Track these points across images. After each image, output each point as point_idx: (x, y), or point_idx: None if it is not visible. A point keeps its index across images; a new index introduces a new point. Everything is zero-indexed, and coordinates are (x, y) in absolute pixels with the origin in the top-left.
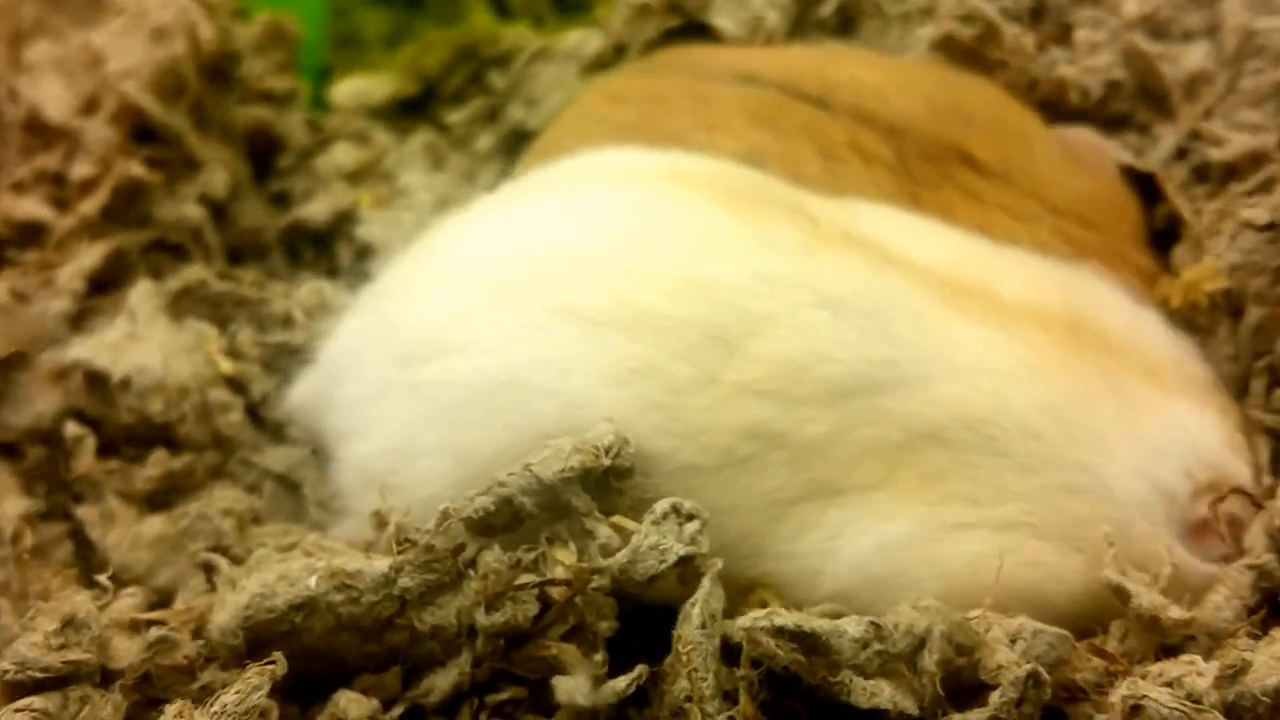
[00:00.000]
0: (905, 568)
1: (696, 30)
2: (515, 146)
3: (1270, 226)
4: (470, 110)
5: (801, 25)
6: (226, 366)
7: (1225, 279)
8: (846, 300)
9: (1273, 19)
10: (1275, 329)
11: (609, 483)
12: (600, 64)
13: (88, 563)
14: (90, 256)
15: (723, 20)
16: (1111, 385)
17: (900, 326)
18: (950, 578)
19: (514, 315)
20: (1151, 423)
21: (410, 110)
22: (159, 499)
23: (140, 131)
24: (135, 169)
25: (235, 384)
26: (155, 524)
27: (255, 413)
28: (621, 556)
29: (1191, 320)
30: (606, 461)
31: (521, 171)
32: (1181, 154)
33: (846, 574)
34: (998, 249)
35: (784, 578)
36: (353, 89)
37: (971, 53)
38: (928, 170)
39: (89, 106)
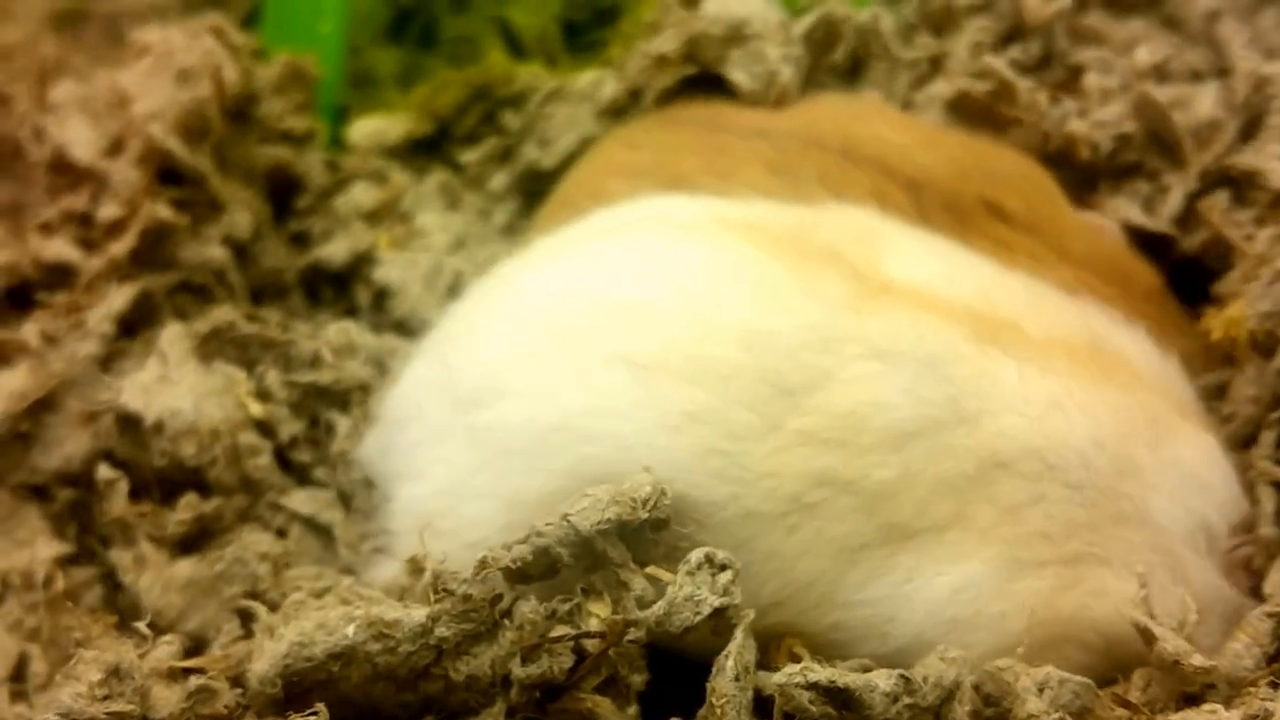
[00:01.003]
0: (983, 607)
1: (713, 80)
2: (529, 186)
3: None
4: (484, 150)
5: (813, 72)
6: (256, 409)
7: (1249, 319)
8: (897, 349)
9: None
10: None
11: (645, 534)
12: (616, 108)
13: (116, 607)
14: (119, 299)
15: (738, 74)
16: (1148, 417)
17: (952, 367)
18: (1027, 614)
19: (569, 362)
20: (1190, 455)
21: (425, 150)
22: (189, 542)
23: (165, 173)
24: (162, 211)
25: (264, 426)
26: (186, 567)
27: (283, 454)
28: (658, 609)
29: (1228, 354)
30: (644, 514)
31: (543, 216)
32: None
33: (922, 619)
34: (1024, 283)
35: (854, 626)
36: (369, 129)
37: (986, 110)
38: (949, 219)
39: (115, 147)
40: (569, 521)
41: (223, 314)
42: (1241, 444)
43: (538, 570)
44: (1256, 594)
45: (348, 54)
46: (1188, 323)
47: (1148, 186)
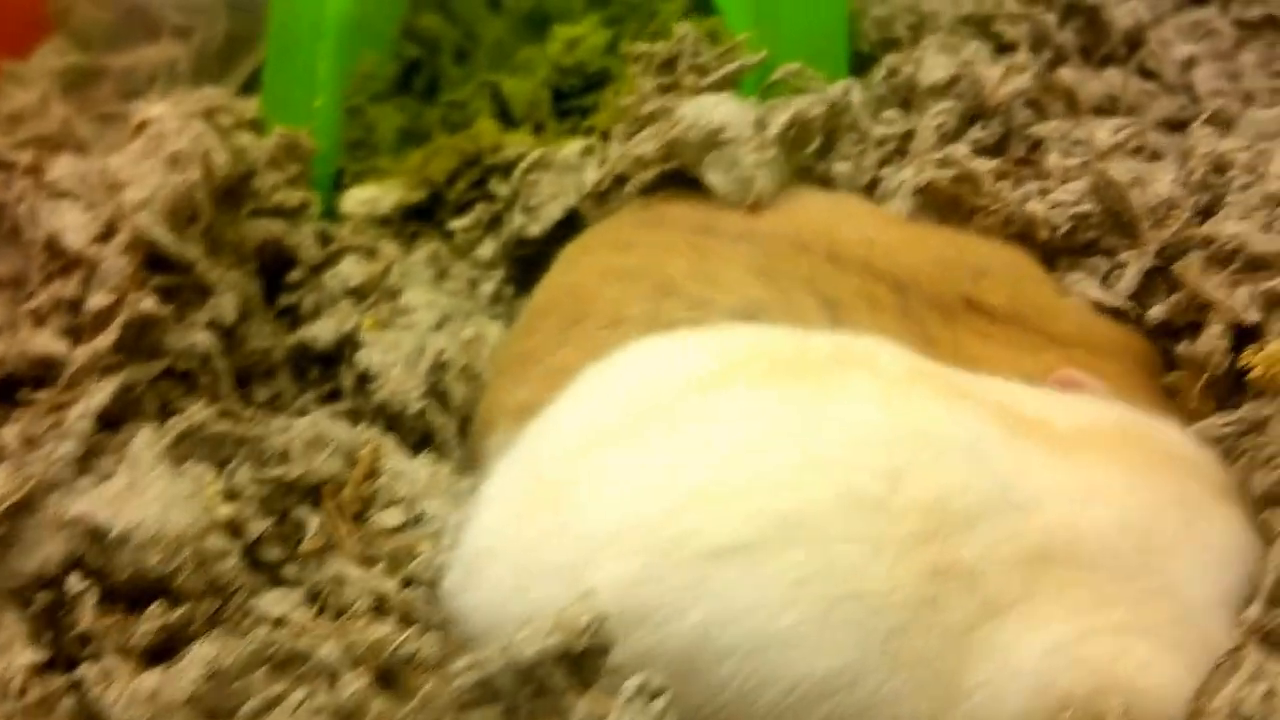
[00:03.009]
0: (1064, 674)
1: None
2: (516, 253)
3: None
4: (473, 217)
5: (788, 165)
6: (224, 511)
7: None
8: (943, 434)
9: (1238, 140)
10: None
11: (589, 661)
12: (600, 192)
13: (87, 716)
14: (100, 394)
15: (714, 178)
16: (1178, 496)
17: (994, 459)
18: (1094, 677)
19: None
20: (1216, 531)
21: (418, 216)
22: (157, 652)
23: (153, 259)
24: (147, 303)
25: (232, 526)
26: (152, 679)
27: (252, 554)
28: None
29: (1266, 391)
30: (584, 642)
31: (534, 315)
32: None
33: (1030, 689)
34: (1045, 392)
35: (974, 713)
36: (362, 197)
37: (952, 197)
38: (934, 316)
39: (106, 234)
40: (510, 650)
41: (196, 413)
42: (1276, 500)
43: (480, 700)
44: None
45: (343, 122)
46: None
47: (1105, 263)
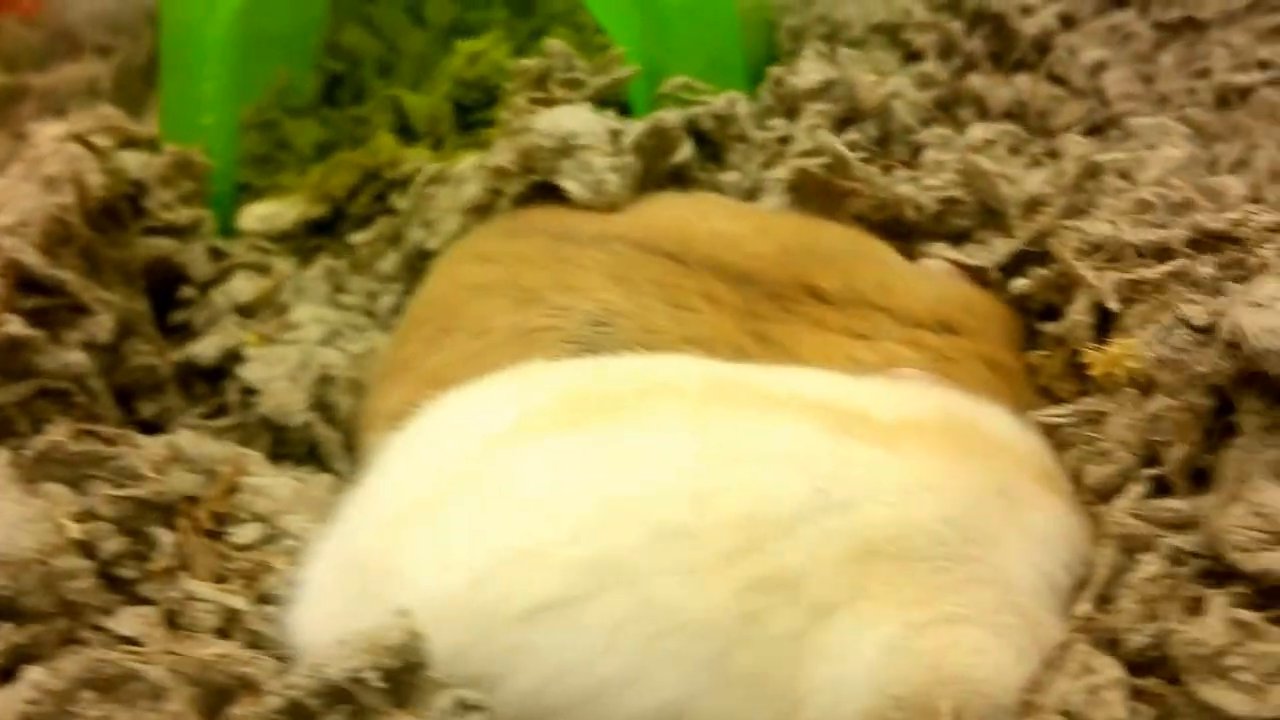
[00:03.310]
0: (900, 669)
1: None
2: (417, 266)
3: (1206, 330)
4: (374, 231)
5: (647, 176)
6: (73, 531)
7: (1147, 365)
8: (754, 448)
9: (1114, 153)
10: (1178, 432)
11: (402, 678)
12: (480, 207)
13: None
14: None
15: (570, 184)
16: (999, 485)
17: (810, 459)
18: (927, 672)
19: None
20: (1038, 519)
21: (320, 231)
22: (7, 671)
23: (27, 281)
24: (14, 325)
25: (86, 547)
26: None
27: (108, 572)
28: None
29: (1105, 390)
30: (394, 661)
31: (407, 327)
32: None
33: (865, 689)
34: (865, 381)
35: (815, 718)
36: (261, 213)
37: (823, 185)
38: (772, 308)
39: None
40: (318, 671)
41: (53, 433)
42: (1108, 494)
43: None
44: None
45: (253, 137)
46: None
47: (975, 247)
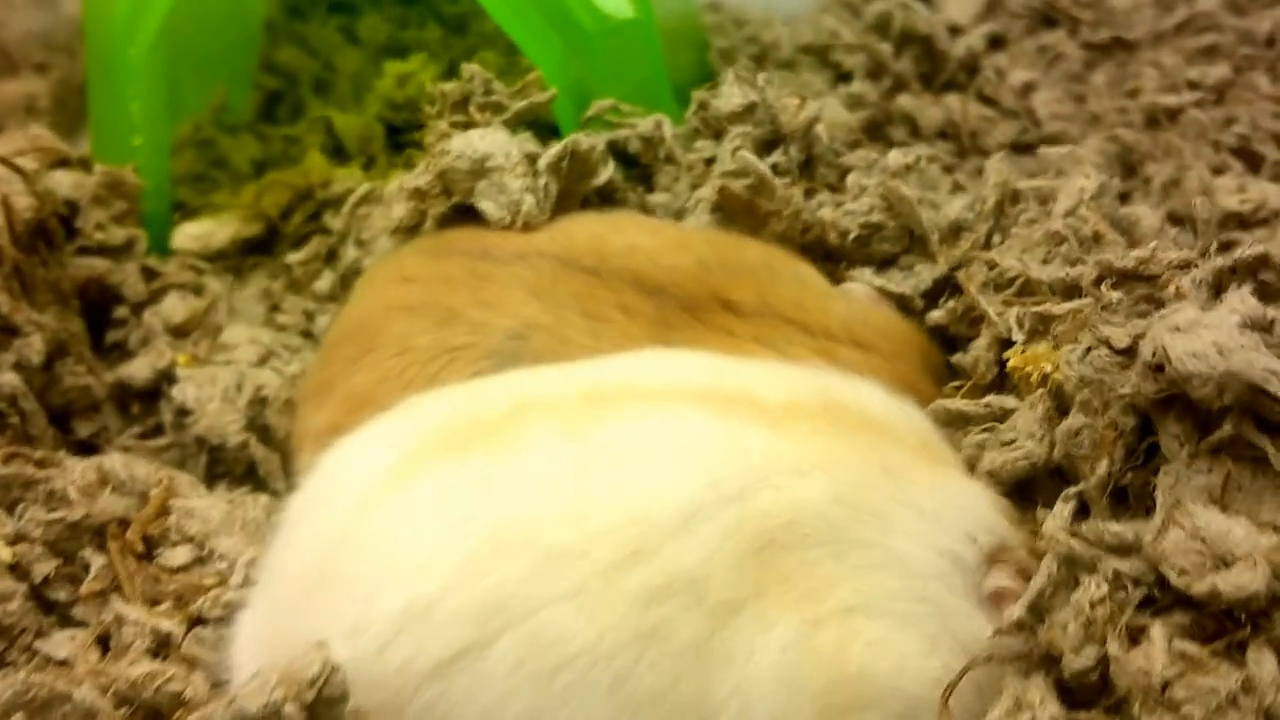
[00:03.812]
0: (801, 669)
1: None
2: (352, 285)
3: (1126, 352)
4: (310, 250)
5: (569, 197)
6: (5, 554)
7: (1066, 380)
8: (634, 451)
9: (1035, 180)
10: (1099, 449)
11: (321, 710)
12: (406, 228)
13: None
14: None
15: (485, 204)
16: (882, 463)
17: (700, 447)
18: (828, 671)
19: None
20: (927, 495)
21: (255, 250)
22: None
23: None
24: None
25: (18, 569)
26: None
27: (41, 595)
28: None
29: (1015, 387)
30: (312, 694)
31: (329, 346)
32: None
33: (773, 692)
34: (745, 361)
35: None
36: (194, 232)
37: (747, 205)
38: (684, 318)
39: None
40: (236, 704)
41: None
42: (1005, 480)
43: None
44: None
45: (191, 156)
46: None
47: (900, 274)
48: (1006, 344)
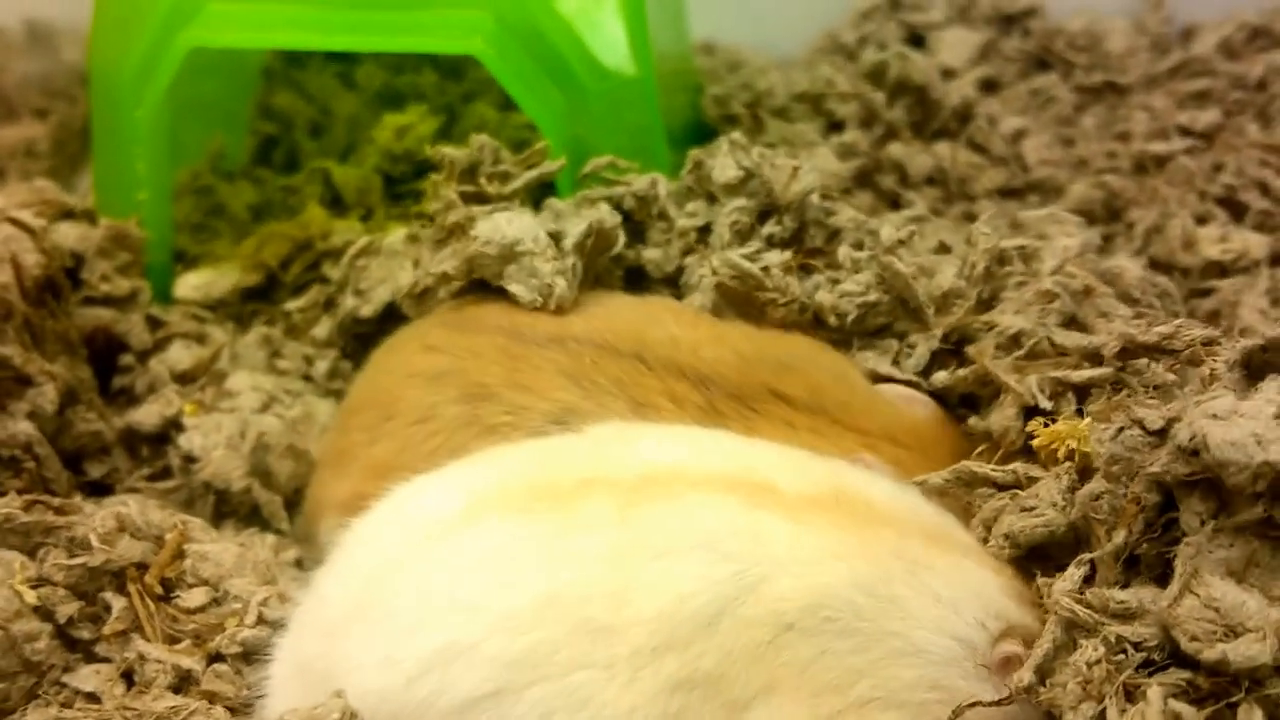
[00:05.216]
0: None
1: None
2: (352, 330)
3: (1159, 433)
4: (308, 299)
5: (588, 270)
6: (30, 597)
7: (1095, 456)
8: (672, 542)
9: (1018, 239)
10: (1119, 518)
11: None
12: (416, 294)
13: None
14: None
15: (516, 288)
16: (896, 552)
17: (727, 542)
18: None
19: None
20: (940, 581)
21: (255, 298)
22: None
23: None
24: None
25: (43, 610)
26: None
27: (66, 634)
28: None
29: (1044, 462)
30: None
31: (348, 411)
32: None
33: None
34: (768, 445)
35: None
36: (196, 281)
37: (745, 295)
38: (734, 407)
39: None
40: None
41: (3, 506)
42: (1022, 545)
43: None
44: None
45: (189, 205)
46: None
47: (896, 344)
48: (1031, 410)
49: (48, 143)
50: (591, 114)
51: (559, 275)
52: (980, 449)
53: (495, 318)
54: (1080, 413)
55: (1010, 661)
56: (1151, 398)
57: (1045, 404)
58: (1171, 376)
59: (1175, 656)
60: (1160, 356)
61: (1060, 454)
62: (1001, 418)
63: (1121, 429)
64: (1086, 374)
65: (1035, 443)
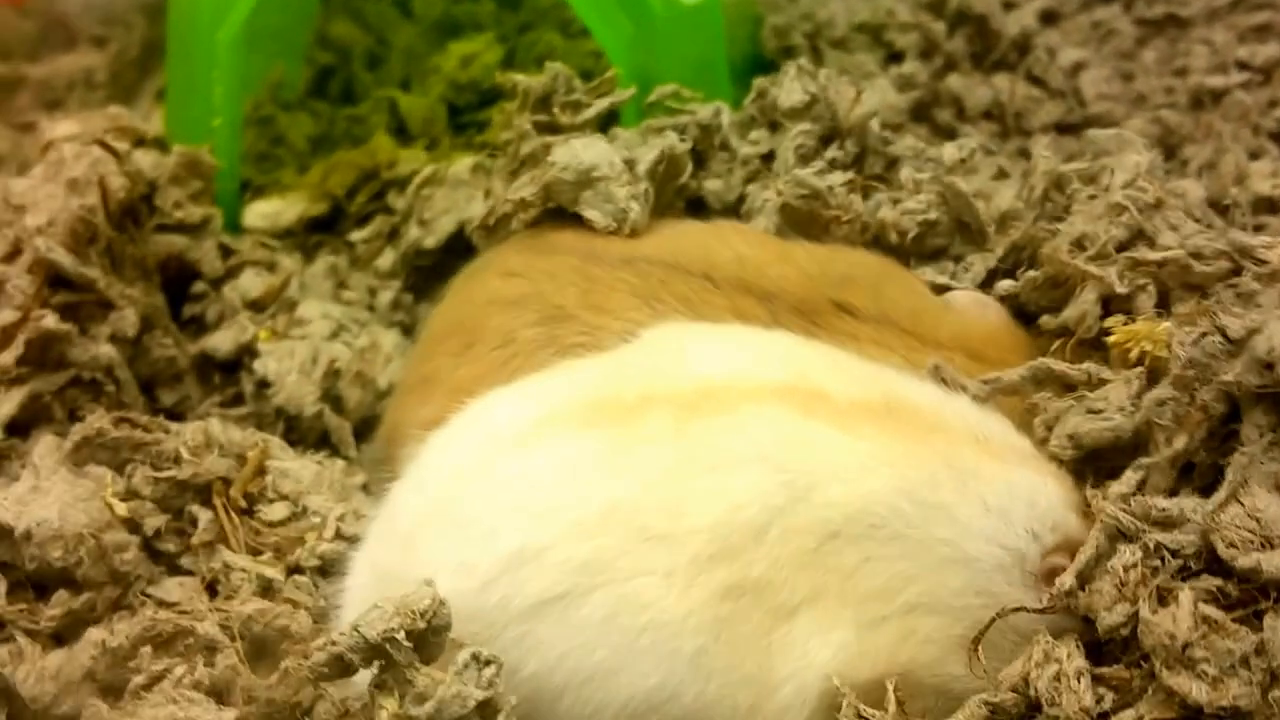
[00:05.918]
0: (852, 667)
1: None
2: (415, 263)
3: (1238, 343)
4: (372, 229)
5: (660, 196)
6: (120, 509)
7: (1173, 359)
8: (727, 455)
9: (1078, 164)
10: (1183, 424)
11: (429, 638)
12: (488, 225)
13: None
14: (7, 404)
15: (592, 213)
16: (946, 460)
17: (778, 452)
18: (880, 669)
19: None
20: (990, 490)
21: (321, 228)
22: (64, 634)
23: (56, 279)
24: (49, 320)
25: (130, 523)
26: (56, 658)
27: (152, 546)
28: (429, 705)
29: (1115, 361)
30: (423, 623)
31: (432, 338)
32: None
33: (822, 682)
34: (821, 351)
35: (783, 705)
36: (265, 210)
37: (809, 214)
38: (799, 322)
39: (11, 255)
40: (358, 631)
41: (94, 421)
42: (1085, 447)
43: (334, 673)
44: None
45: (251, 135)
46: None
47: (953, 266)
48: (1107, 302)
49: (105, 72)
50: (659, 42)
51: (633, 200)
52: (1053, 347)
53: (571, 241)
54: (1159, 314)
55: (1056, 572)
56: (1236, 306)
57: (1121, 289)
58: (1257, 286)
59: (1210, 566)
60: (1255, 265)
61: (1133, 355)
62: (1080, 305)
63: (1204, 334)
64: (1161, 254)
65: (1111, 339)
